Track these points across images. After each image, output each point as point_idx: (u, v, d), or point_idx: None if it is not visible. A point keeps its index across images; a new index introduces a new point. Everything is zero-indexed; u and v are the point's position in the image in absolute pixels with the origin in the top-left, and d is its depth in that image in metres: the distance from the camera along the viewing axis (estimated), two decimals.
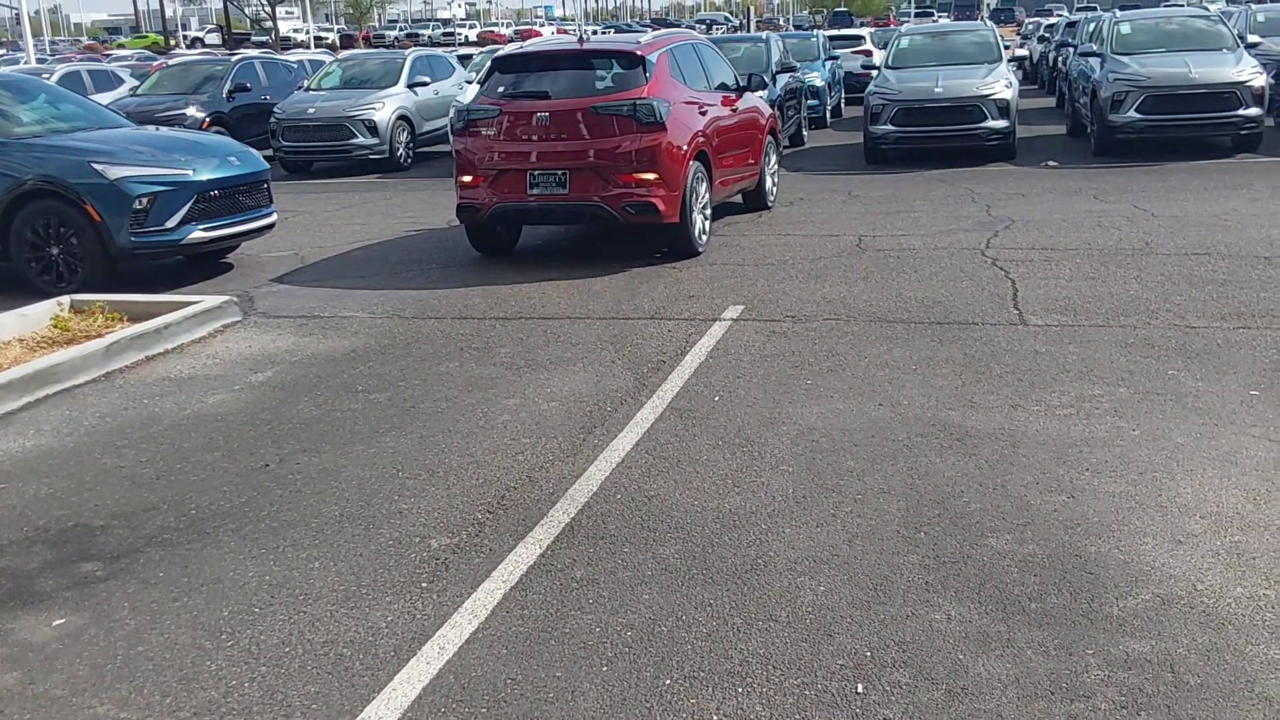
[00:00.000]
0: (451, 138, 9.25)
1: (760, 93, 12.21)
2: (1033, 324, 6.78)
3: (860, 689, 3.19)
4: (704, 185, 9.33)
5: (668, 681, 3.28)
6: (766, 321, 7.16)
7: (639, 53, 9.12)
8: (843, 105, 22.08)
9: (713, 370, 6.18)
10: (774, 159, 11.83)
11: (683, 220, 8.95)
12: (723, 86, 10.44)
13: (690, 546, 4.11)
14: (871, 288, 7.90)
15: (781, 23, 60.51)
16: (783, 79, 15.86)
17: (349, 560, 4.14)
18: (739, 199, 11.29)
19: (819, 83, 19.43)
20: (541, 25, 74.31)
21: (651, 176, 8.64)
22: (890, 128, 14.33)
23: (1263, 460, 4.61)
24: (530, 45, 10.78)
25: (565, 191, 8.77)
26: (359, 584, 3.96)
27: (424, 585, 3.93)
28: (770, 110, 11.71)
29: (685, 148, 8.92)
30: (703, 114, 9.46)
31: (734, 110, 10.33)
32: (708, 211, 9.51)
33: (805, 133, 17.48)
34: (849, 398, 5.62)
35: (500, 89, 9.24)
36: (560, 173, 8.76)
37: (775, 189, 11.84)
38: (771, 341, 6.69)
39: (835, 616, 3.57)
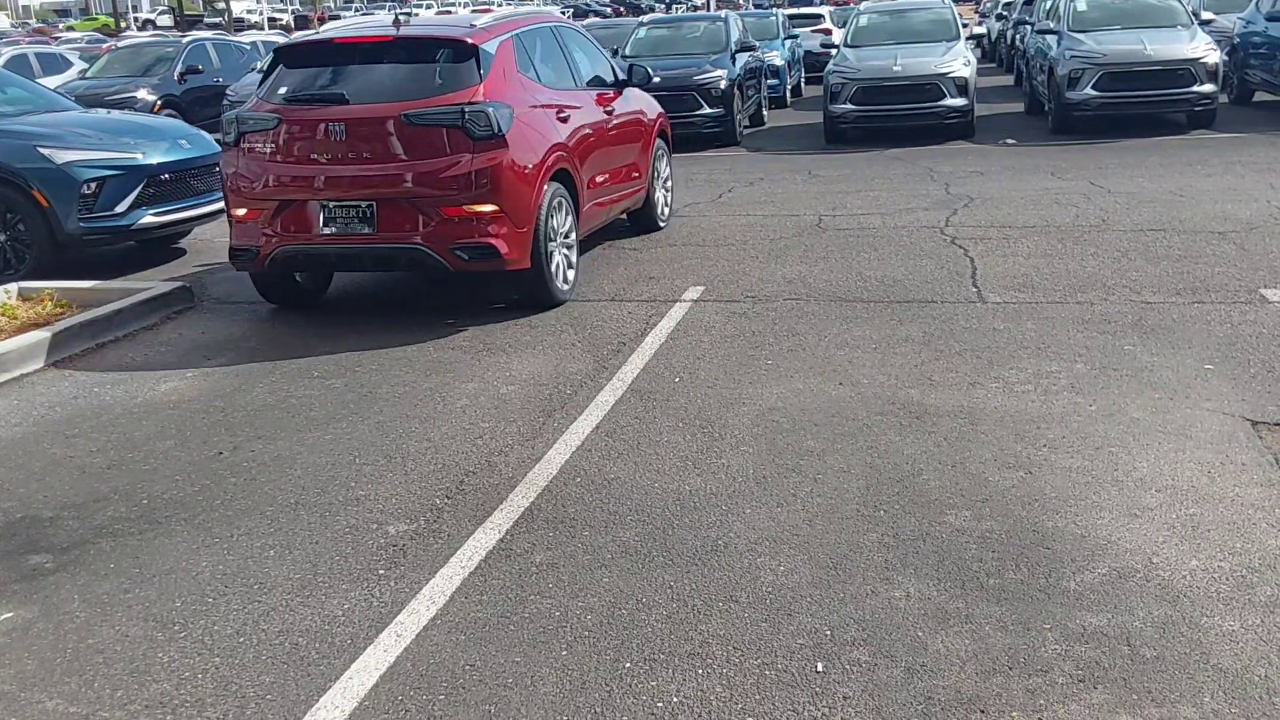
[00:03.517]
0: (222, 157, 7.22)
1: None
2: (991, 301, 6.80)
3: (820, 668, 3.18)
4: (566, 214, 7.30)
5: (628, 664, 3.26)
6: (727, 302, 7.15)
7: (471, 40, 6.88)
8: (803, 84, 22.05)
9: (673, 352, 6.16)
10: (666, 167, 9.79)
11: (536, 264, 6.86)
12: (597, 82, 8.55)
13: (650, 529, 4.09)
14: (831, 267, 7.90)
15: (741, 1, 60.44)
16: (742, 58, 15.81)
17: (305, 548, 4.09)
18: (624, 218, 9.30)
19: (779, 62, 19.39)
20: (499, 4, 73.47)
21: (489, 209, 6.54)
22: (849, 107, 14.33)
23: (1217, 434, 4.65)
24: (328, 30, 8.27)
25: (371, 230, 6.61)
26: (315, 572, 3.91)
27: (381, 572, 3.88)
28: (658, 108, 9.68)
29: (537, 167, 6.85)
30: (563, 120, 7.43)
31: (610, 112, 8.35)
32: (572, 246, 7.45)
33: (765, 112, 17.45)
34: (809, 377, 5.62)
35: (283, 90, 6.98)
36: (364, 205, 6.60)
37: (669, 205, 9.90)
38: (732, 322, 6.67)
39: (795, 596, 3.57)
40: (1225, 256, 7.55)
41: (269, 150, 6.80)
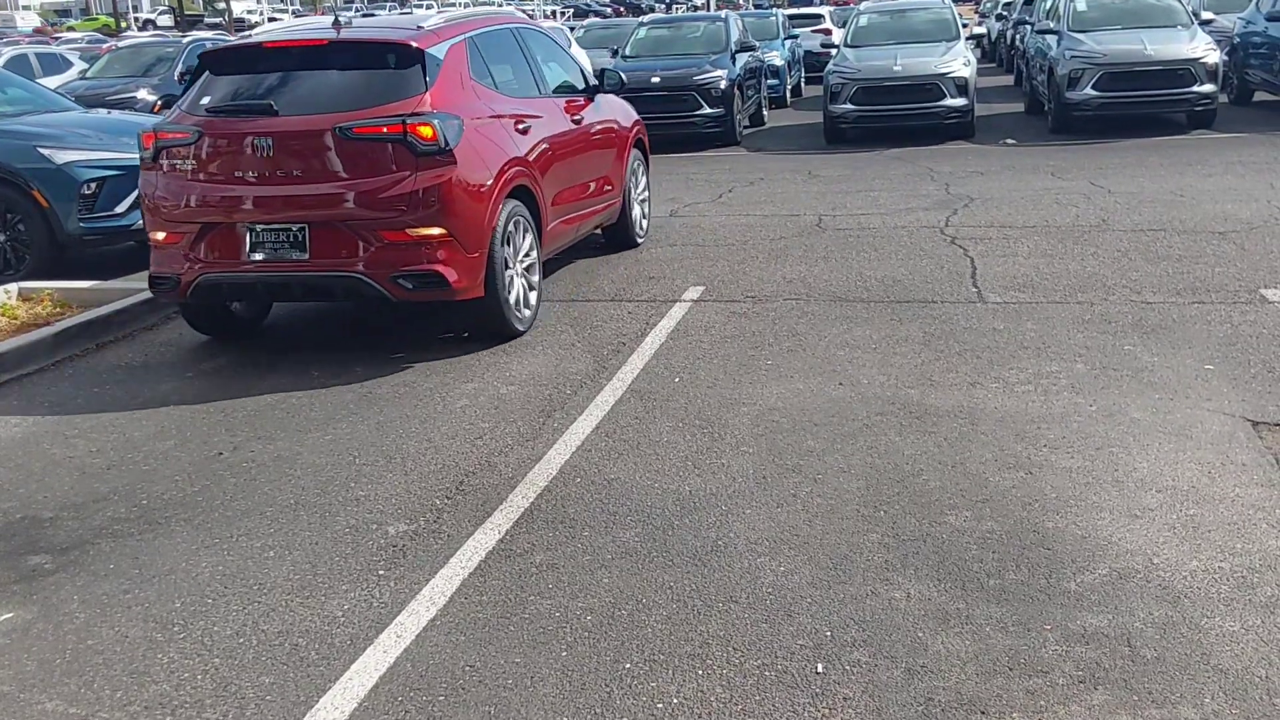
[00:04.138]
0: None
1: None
2: (991, 301, 6.80)
3: (820, 669, 3.18)
4: (525, 235, 6.63)
5: (628, 665, 3.25)
6: (727, 302, 7.14)
7: (416, 44, 6.21)
8: (803, 84, 22.05)
9: (673, 352, 6.15)
10: (643, 179, 9.14)
11: (491, 291, 6.22)
12: (565, 89, 7.96)
13: (650, 529, 4.08)
14: (831, 267, 7.90)
15: (741, 2, 60.47)
16: (742, 58, 15.82)
17: (304, 549, 4.09)
18: (599, 233, 8.69)
19: (779, 62, 19.40)
20: (501, 4, 73.39)
21: (435, 232, 5.89)
22: (849, 107, 14.33)
23: (1217, 434, 4.65)
24: (261, 33, 7.55)
25: (304, 256, 5.95)
26: (315, 573, 3.91)
27: (381, 573, 3.88)
28: (634, 116, 9.06)
29: (492, 184, 6.21)
30: (523, 131, 6.77)
31: (578, 121, 7.75)
32: (534, 270, 6.79)
33: (765, 112, 17.45)
34: (809, 377, 5.61)
35: (207, 100, 6.31)
36: (296, 229, 5.94)
37: (647, 218, 9.23)
38: (732, 322, 6.67)
39: (795, 597, 3.56)
40: (1225, 256, 7.55)
41: (190, 168, 6.12)
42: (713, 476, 4.51)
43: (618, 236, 8.83)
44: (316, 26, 7.01)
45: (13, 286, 7.72)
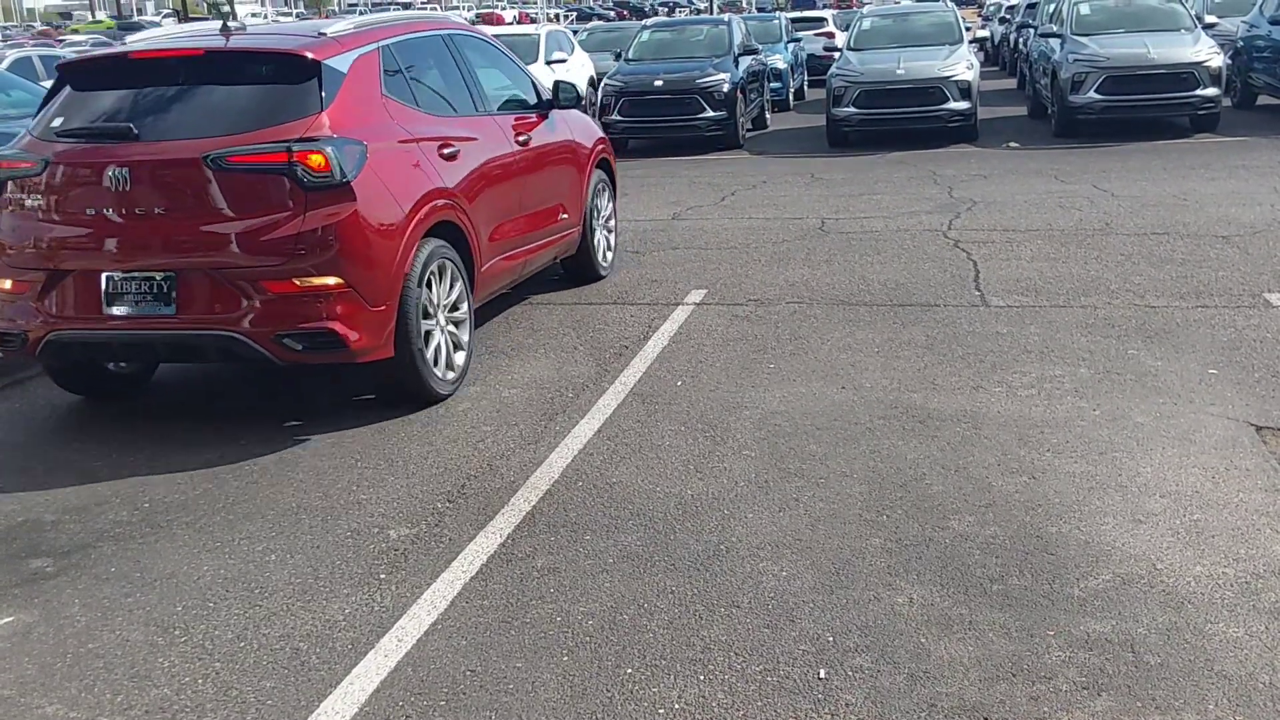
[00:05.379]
0: None
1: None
2: (994, 305, 6.79)
3: (822, 674, 3.17)
4: (451, 281, 5.68)
5: (629, 670, 3.24)
6: (729, 305, 7.14)
7: (311, 55, 5.23)
8: (805, 87, 22.05)
9: (675, 355, 6.15)
10: (608, 204, 8.18)
11: (402, 350, 5.28)
12: (512, 106, 7.01)
13: (652, 533, 4.08)
14: (834, 270, 7.89)
15: (744, 5, 60.51)
16: (745, 61, 15.82)
17: (306, 552, 4.08)
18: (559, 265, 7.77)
19: (781, 65, 19.41)
20: (504, 9, 73.37)
21: (330, 281, 4.95)
22: (852, 110, 14.32)
23: (1221, 439, 4.63)
24: (134, 41, 6.40)
25: (169, 311, 5.01)
26: (316, 576, 3.90)
27: (382, 577, 3.87)
28: (598, 134, 8.07)
29: (404, 221, 5.26)
30: (450, 156, 5.79)
31: (525, 142, 6.74)
32: (462, 322, 5.81)
33: (768, 116, 17.46)
34: (811, 381, 5.60)
35: (59, 122, 5.33)
36: (160, 278, 5.01)
37: (612, 248, 8.27)
38: (734, 325, 6.66)
39: (797, 602, 3.55)
40: (1229, 260, 7.53)
41: (38, 204, 5.17)
42: (715, 480, 4.50)
43: (578, 268, 7.86)
44: (202, 34, 6.04)
45: None
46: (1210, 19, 15.15)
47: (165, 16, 67.80)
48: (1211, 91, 13.30)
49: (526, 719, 3.05)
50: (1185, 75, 13.30)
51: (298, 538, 4.20)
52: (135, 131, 5.10)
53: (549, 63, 16.74)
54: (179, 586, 3.89)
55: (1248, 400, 5.04)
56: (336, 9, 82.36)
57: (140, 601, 3.80)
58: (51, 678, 3.38)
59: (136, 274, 5.04)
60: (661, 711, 3.05)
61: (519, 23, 41.66)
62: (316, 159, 4.93)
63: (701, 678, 3.19)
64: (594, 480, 4.57)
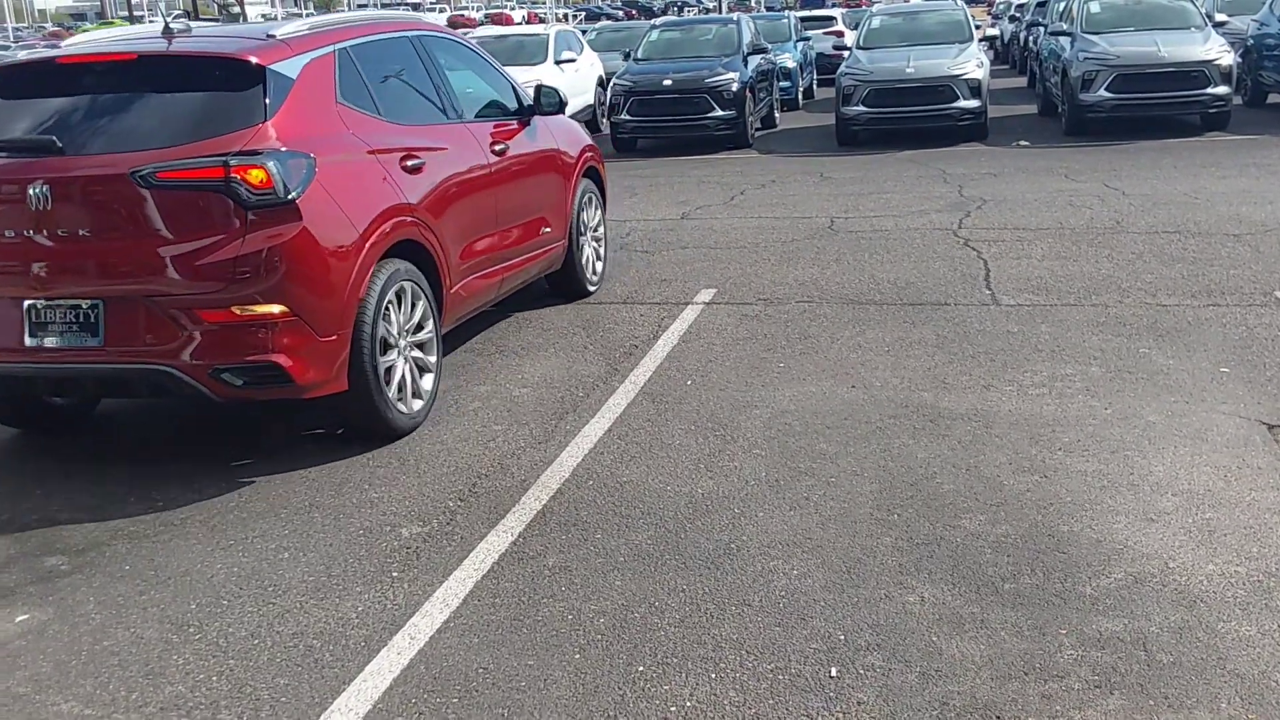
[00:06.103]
0: None
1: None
2: (1005, 304, 6.78)
3: (834, 672, 3.17)
4: (416, 305, 5.27)
5: (640, 668, 3.25)
6: (739, 304, 7.14)
7: (255, 60, 4.79)
8: (815, 86, 22.02)
9: (685, 354, 6.15)
10: (596, 215, 7.74)
11: (358, 383, 4.87)
12: (490, 113, 6.55)
13: (663, 532, 4.08)
14: (844, 269, 7.89)
15: (753, 4, 60.48)
16: (754, 61, 15.81)
17: (319, 550, 4.10)
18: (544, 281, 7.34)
19: (791, 64, 19.38)
20: (513, 9, 73.43)
21: (273, 310, 4.54)
22: (862, 109, 14.30)
23: (1233, 437, 4.63)
24: (70, 45, 5.77)
25: (97, 343, 4.59)
26: (329, 574, 3.92)
27: (395, 575, 3.89)
28: (585, 141, 7.61)
29: (359, 242, 4.83)
30: (414, 169, 5.35)
31: (501, 152, 6.28)
32: (428, 346, 5.41)
33: (777, 115, 17.44)
34: (821, 380, 5.61)
35: None
36: (86, 306, 4.60)
37: (601, 261, 7.85)
38: (744, 324, 6.67)
39: (808, 600, 3.56)
40: (1240, 259, 7.51)
41: None
42: (725, 479, 4.51)
43: (564, 284, 7.41)
44: (143, 37, 5.62)
45: None
46: (1220, 17, 15.11)
47: (176, 17, 67.88)
48: (1222, 90, 13.26)
49: (539, 716, 3.06)
50: (1196, 73, 13.26)
51: (310, 536, 4.22)
52: (59, 145, 4.65)
53: (558, 62, 16.75)
54: (193, 584, 3.91)
55: (1259, 399, 5.03)
56: (346, 8, 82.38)
57: (154, 599, 3.82)
58: (66, 675, 3.40)
59: (61, 302, 4.61)
60: (673, 709, 3.06)
61: (528, 23, 41.67)
62: (257, 174, 4.48)
63: (713, 676, 3.20)
64: (605, 479, 4.58)
